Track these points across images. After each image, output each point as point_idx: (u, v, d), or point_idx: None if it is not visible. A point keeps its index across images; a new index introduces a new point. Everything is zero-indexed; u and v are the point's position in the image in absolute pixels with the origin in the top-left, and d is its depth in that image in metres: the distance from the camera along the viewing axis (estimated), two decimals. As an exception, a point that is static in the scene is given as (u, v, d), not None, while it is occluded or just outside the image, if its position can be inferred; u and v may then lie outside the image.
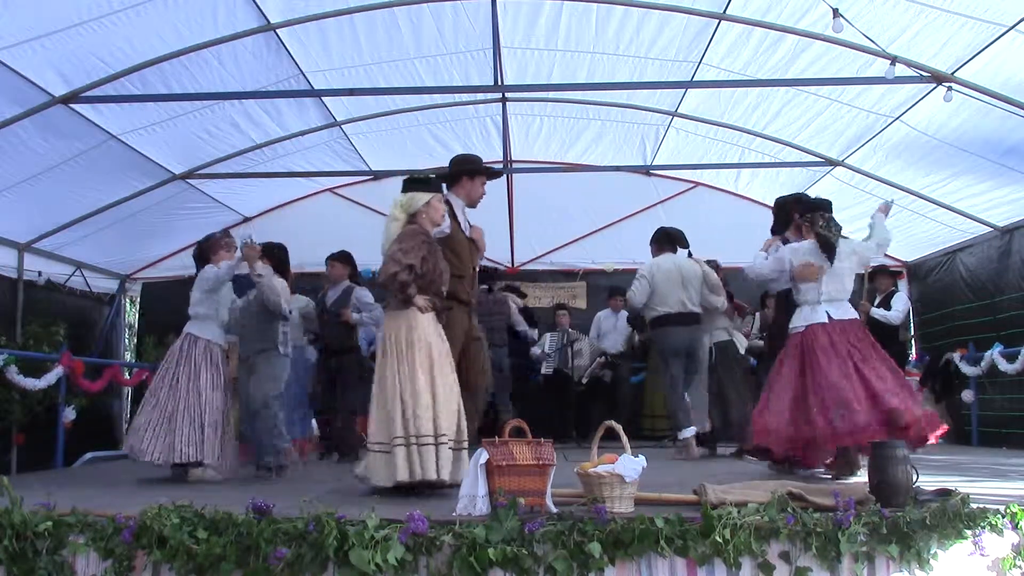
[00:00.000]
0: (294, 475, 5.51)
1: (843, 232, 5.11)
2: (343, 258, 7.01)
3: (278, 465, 5.49)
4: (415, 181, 4.51)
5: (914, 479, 3.44)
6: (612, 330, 9.05)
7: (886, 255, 9.58)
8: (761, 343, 8.17)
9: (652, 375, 9.24)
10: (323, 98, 7.49)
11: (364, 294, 6.91)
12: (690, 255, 6.96)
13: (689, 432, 6.55)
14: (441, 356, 4.21)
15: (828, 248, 4.93)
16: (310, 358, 7.28)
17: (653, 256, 6.91)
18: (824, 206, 5.27)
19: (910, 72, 6.01)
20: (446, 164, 5.04)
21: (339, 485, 4.67)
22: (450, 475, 4.00)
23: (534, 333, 9.08)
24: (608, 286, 9.45)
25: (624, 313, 9.24)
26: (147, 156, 7.37)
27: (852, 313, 4.97)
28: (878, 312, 7.26)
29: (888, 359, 4.86)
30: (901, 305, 7.66)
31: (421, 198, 4.41)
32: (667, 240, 6.94)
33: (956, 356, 8.32)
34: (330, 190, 9.87)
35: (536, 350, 9.31)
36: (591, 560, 2.91)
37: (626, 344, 9.09)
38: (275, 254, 6.00)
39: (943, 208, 8.04)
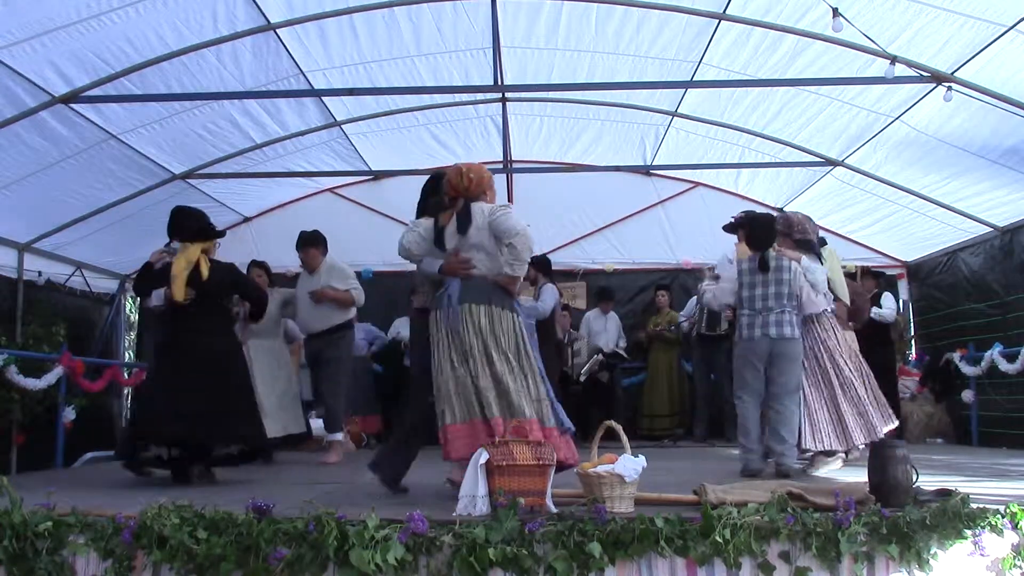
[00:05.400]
0: (294, 475, 5.52)
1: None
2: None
3: None
4: None
5: (914, 479, 3.44)
6: (603, 331, 9.14)
7: (886, 255, 9.65)
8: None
9: (651, 375, 9.29)
10: (323, 98, 7.49)
11: None
12: None
13: (339, 436, 6.69)
14: None
15: None
16: None
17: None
18: None
19: (910, 72, 6.01)
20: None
21: (339, 485, 4.68)
22: None
23: None
24: (601, 287, 9.50)
25: (614, 315, 9.31)
26: (147, 156, 7.37)
27: None
28: (873, 312, 7.29)
29: None
30: (890, 302, 7.69)
31: None
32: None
33: (956, 356, 8.33)
34: (330, 190, 9.87)
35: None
36: (591, 560, 2.91)
37: (620, 345, 9.17)
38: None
39: (943, 208, 8.05)
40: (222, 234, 5.50)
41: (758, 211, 6.77)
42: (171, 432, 4.81)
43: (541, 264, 7.69)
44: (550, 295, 7.58)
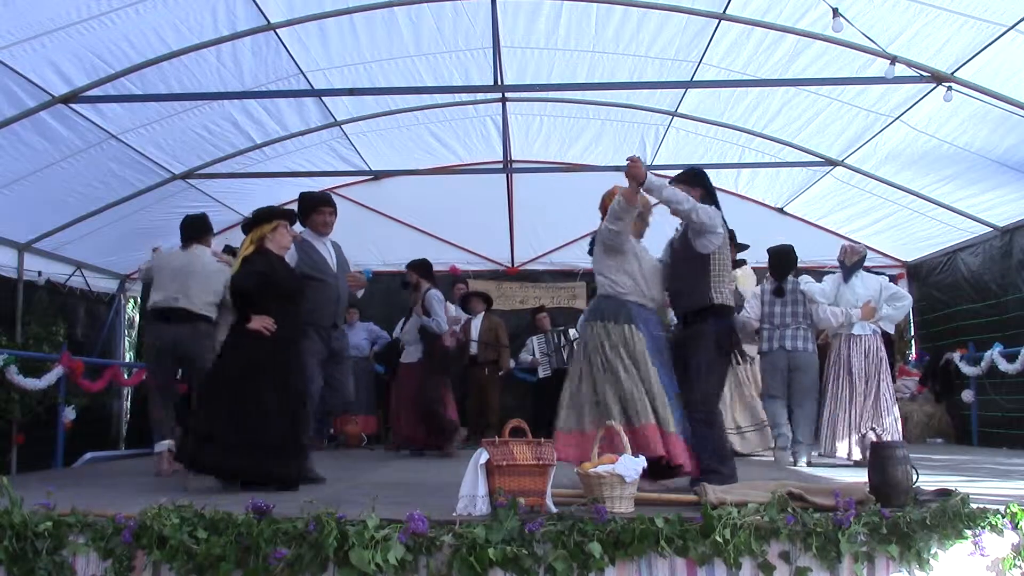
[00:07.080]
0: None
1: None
2: None
3: None
4: None
5: (914, 479, 3.44)
6: None
7: (886, 255, 9.66)
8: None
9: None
10: (323, 98, 7.49)
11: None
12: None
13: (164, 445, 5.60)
14: None
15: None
16: None
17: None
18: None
19: (910, 72, 6.02)
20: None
21: (339, 485, 4.67)
22: None
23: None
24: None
25: None
26: (147, 156, 7.37)
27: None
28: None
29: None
30: None
31: None
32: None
33: (956, 356, 8.33)
34: (330, 190, 9.85)
35: (525, 356, 9.29)
36: (591, 560, 2.91)
37: None
38: None
39: (943, 208, 8.05)
40: (277, 215, 4.87)
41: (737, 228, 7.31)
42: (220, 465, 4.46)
43: (421, 267, 7.40)
44: (438, 304, 7.16)
